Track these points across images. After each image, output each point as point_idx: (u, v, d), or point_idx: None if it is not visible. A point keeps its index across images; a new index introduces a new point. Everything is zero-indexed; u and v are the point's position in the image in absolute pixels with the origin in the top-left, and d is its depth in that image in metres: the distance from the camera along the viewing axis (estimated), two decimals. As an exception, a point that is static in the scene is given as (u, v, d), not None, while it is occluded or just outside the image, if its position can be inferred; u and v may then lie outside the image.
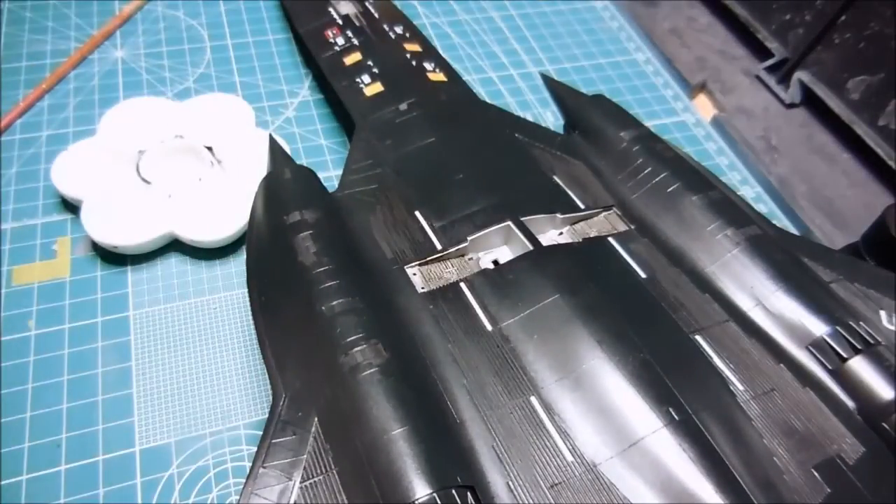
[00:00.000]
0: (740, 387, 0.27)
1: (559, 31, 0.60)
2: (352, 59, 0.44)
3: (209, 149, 0.42)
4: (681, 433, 0.24)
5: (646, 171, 0.36)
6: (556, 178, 0.37)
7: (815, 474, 0.25)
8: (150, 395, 0.34)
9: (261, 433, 0.25)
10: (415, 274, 0.31)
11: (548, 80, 0.45)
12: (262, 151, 0.38)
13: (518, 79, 0.55)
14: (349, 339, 0.26)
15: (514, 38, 0.58)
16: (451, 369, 0.27)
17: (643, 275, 0.31)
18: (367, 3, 0.49)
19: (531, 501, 0.24)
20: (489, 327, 0.28)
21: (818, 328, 0.29)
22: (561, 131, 0.42)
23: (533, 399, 0.26)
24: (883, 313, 0.30)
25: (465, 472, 0.24)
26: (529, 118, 0.49)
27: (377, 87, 0.42)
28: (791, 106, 0.56)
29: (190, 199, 0.40)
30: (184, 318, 0.37)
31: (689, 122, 0.53)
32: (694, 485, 0.23)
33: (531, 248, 0.31)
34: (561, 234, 0.34)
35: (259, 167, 0.37)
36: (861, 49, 0.50)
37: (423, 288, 0.30)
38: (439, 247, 0.32)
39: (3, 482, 0.31)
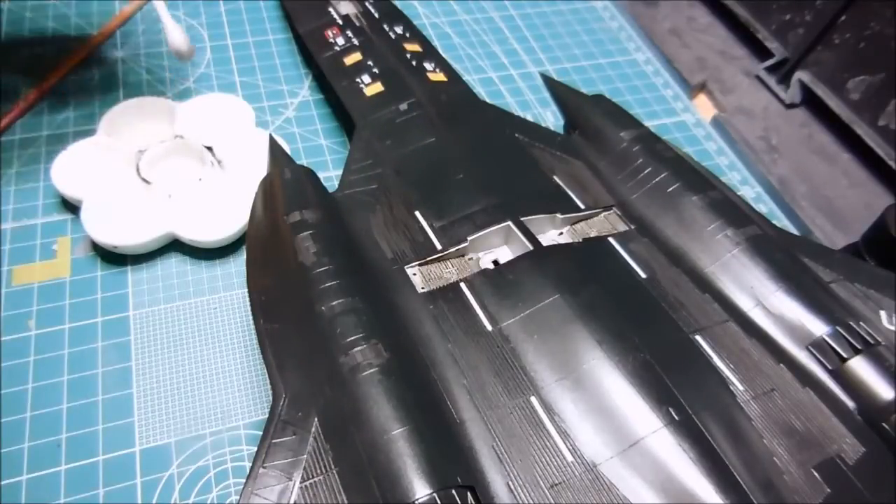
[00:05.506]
0: (740, 387, 0.27)
1: (559, 31, 0.60)
2: (352, 59, 0.44)
3: (209, 149, 0.42)
4: (681, 433, 0.24)
5: (646, 171, 0.36)
6: (556, 178, 0.37)
7: (815, 474, 0.25)
8: (150, 395, 0.34)
9: (261, 433, 0.25)
10: (415, 274, 0.31)
11: (548, 80, 0.45)
12: (262, 151, 0.38)
13: (518, 79, 0.55)
14: (349, 339, 0.26)
15: (514, 38, 0.58)
16: (451, 369, 0.27)
17: (643, 275, 0.31)
18: (367, 3, 0.49)
19: (531, 501, 0.24)
20: (489, 327, 0.28)
21: (818, 328, 0.29)
22: (561, 131, 0.42)
23: (533, 399, 0.26)
24: (883, 313, 0.30)
25: (465, 472, 0.24)
26: (529, 118, 0.49)
27: (377, 87, 0.42)
28: (791, 106, 0.56)
29: (190, 199, 0.40)
30: (184, 318, 0.37)
31: (689, 122, 0.53)
32: (694, 485, 0.23)
33: (531, 248, 0.31)
34: (561, 234, 0.34)
35: (259, 167, 0.37)
36: (861, 49, 0.50)
37: (423, 288, 0.30)
38: (439, 247, 0.32)
39: (3, 482, 0.31)
